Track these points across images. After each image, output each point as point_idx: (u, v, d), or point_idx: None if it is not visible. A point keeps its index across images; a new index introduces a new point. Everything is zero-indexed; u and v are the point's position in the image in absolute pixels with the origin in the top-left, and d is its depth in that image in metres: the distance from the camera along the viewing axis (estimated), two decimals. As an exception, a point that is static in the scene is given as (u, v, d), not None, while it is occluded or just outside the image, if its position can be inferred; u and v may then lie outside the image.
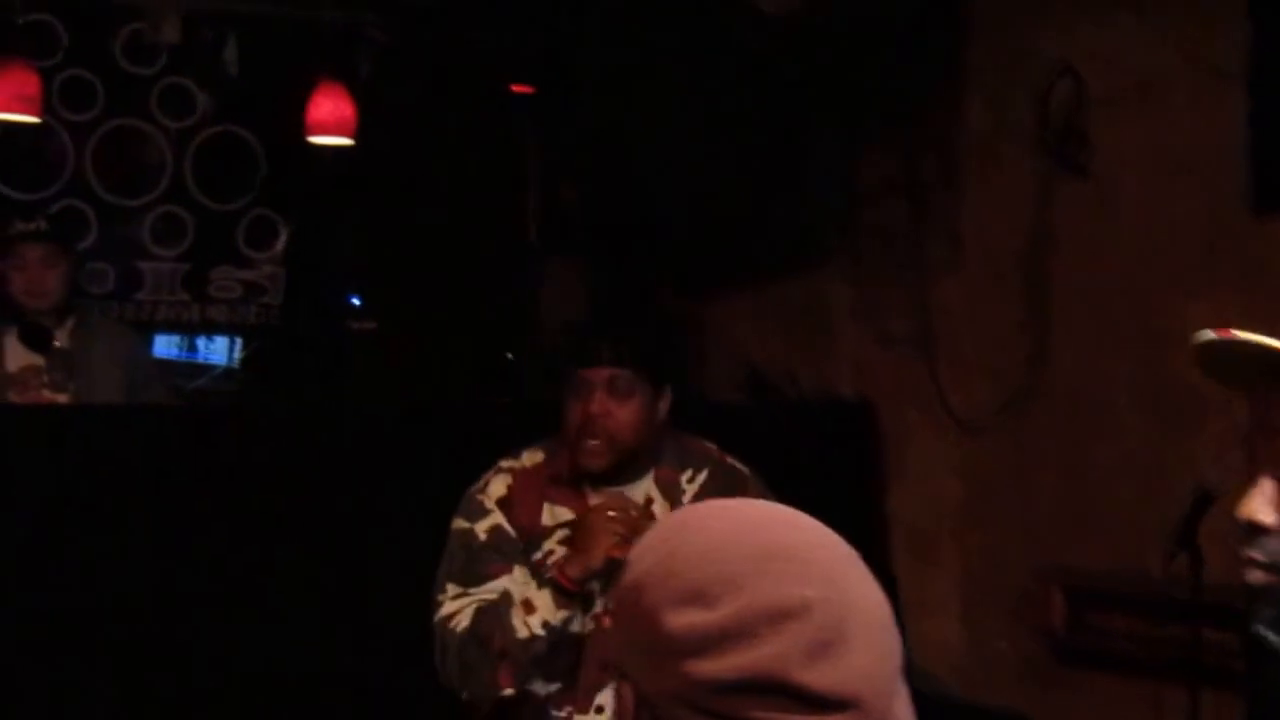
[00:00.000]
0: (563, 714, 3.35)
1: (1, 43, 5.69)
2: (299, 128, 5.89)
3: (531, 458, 3.46)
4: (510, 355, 6.77)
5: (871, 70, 5.19)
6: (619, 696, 1.28)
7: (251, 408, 6.21)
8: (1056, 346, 4.84)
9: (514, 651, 3.26)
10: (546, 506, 3.41)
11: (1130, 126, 4.61)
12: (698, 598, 1.22)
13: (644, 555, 1.29)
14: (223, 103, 6.40)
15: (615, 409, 3.33)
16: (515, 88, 6.46)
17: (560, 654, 3.30)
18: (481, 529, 3.39)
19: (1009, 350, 4.98)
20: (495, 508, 3.40)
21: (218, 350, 6.77)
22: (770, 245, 5.90)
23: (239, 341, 6.74)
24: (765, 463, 3.67)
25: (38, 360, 5.11)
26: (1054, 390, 4.85)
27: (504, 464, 3.46)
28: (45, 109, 5.81)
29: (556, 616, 3.25)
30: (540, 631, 3.25)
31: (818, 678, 1.20)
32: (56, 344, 5.15)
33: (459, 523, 3.43)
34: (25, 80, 5.62)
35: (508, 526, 3.38)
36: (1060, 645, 4.72)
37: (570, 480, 3.41)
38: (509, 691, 3.31)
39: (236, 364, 6.76)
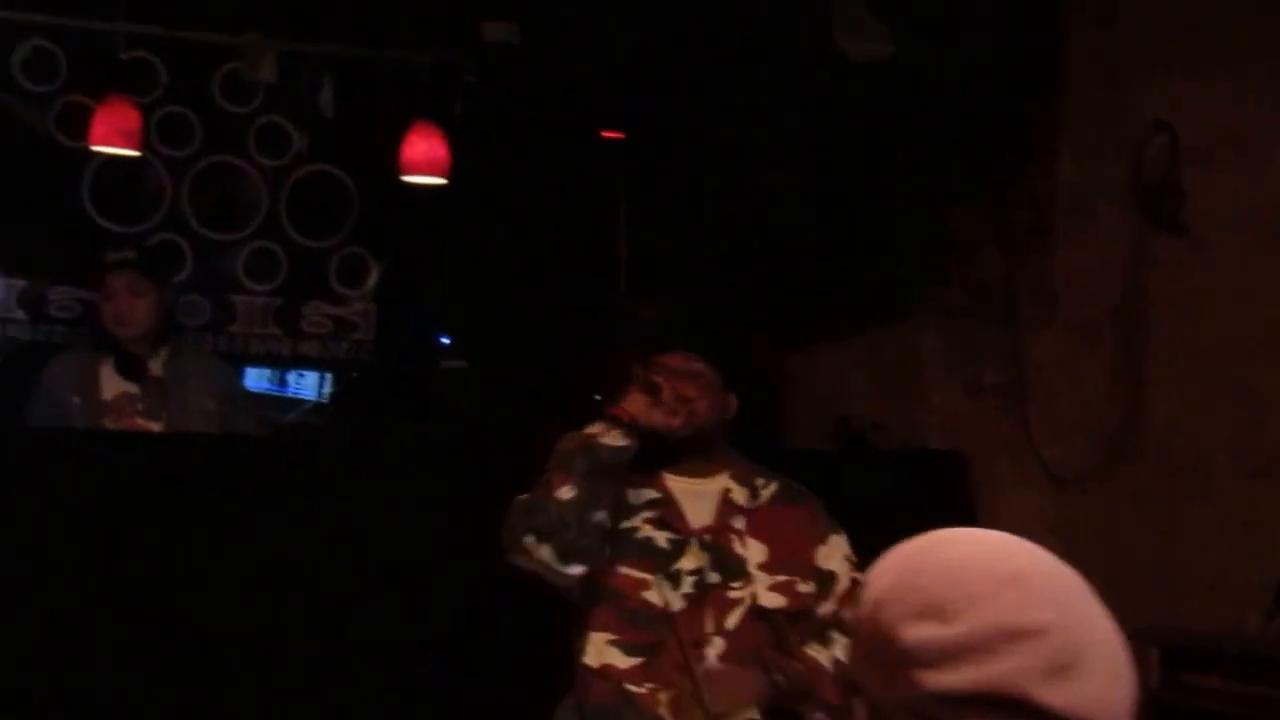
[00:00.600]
0: (642, 690, 3.39)
1: (104, 78, 5.78)
2: (393, 167, 5.92)
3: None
4: (599, 397, 6.74)
5: (965, 121, 5.16)
6: (853, 713, 1.33)
7: (339, 441, 6.23)
8: (1151, 403, 4.79)
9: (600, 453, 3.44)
10: (630, 491, 3.55)
11: (1226, 183, 4.57)
12: (937, 613, 1.28)
13: (883, 575, 1.35)
14: (318, 142, 6.44)
15: (688, 389, 3.56)
16: (606, 134, 6.47)
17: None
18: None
19: (1103, 406, 4.93)
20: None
21: (308, 385, 6.78)
22: (861, 295, 5.86)
23: (329, 376, 6.76)
24: (853, 511, 3.69)
25: (132, 389, 5.16)
26: (1149, 447, 4.79)
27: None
28: (144, 144, 5.87)
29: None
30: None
31: (1054, 696, 1.25)
32: (151, 373, 5.19)
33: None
34: (126, 115, 5.70)
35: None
36: (1155, 704, 4.63)
37: (648, 464, 3.56)
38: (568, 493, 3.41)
39: (326, 399, 6.78)
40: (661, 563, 3.48)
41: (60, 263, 6.10)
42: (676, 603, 3.43)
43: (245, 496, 4.71)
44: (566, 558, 3.44)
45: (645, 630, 3.43)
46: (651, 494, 3.57)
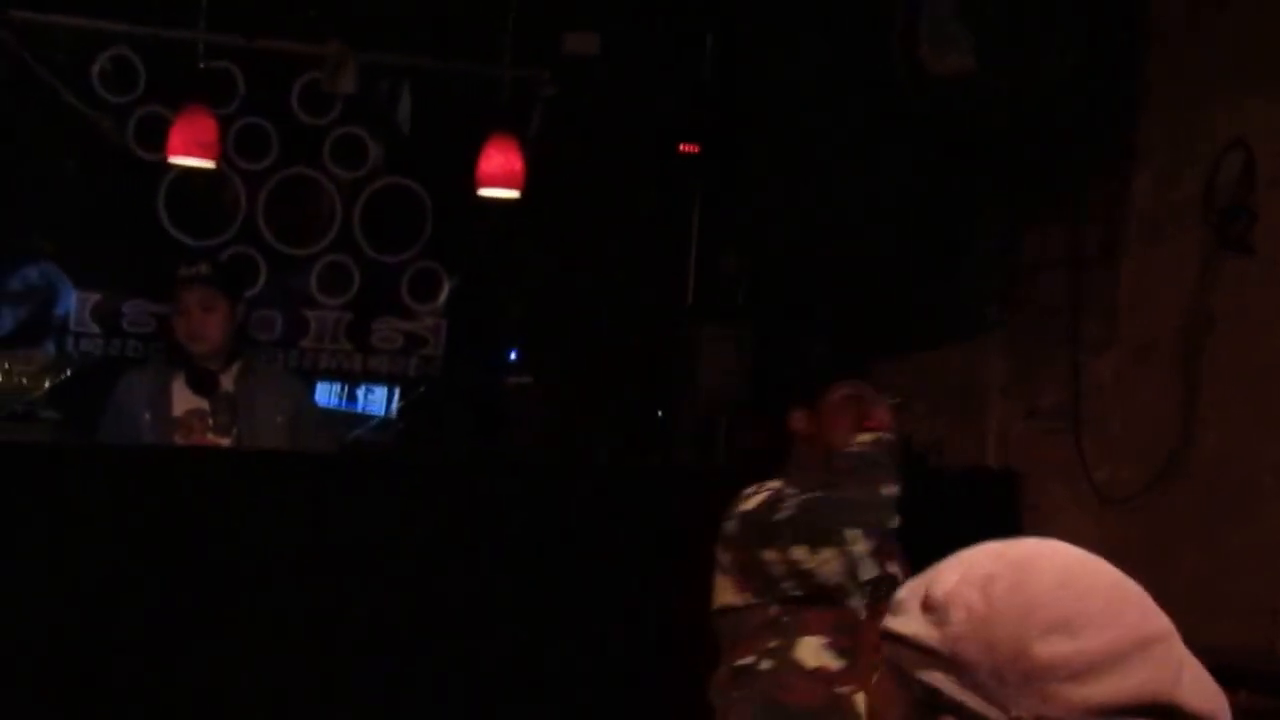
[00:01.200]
0: (846, 689, 3.54)
1: (182, 88, 5.77)
2: (468, 180, 5.89)
3: (780, 480, 3.69)
4: (661, 414, 6.73)
5: (1040, 139, 5.11)
6: None
7: (408, 458, 6.22)
8: (1205, 426, 4.75)
9: None
10: None
11: None
12: (1064, 627, 1.29)
13: (967, 594, 1.33)
14: (394, 154, 6.43)
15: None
16: (683, 147, 6.43)
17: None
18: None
19: (1157, 428, 4.90)
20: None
21: (377, 401, 6.78)
22: (929, 317, 5.83)
23: (397, 392, 6.74)
24: (907, 530, 3.75)
25: (203, 404, 5.16)
26: (1198, 469, 4.76)
27: (771, 485, 3.68)
28: (221, 156, 5.86)
29: None
30: None
31: (1192, 698, 1.30)
32: (222, 388, 5.18)
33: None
34: (204, 126, 5.69)
35: None
36: None
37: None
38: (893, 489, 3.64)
39: (395, 415, 6.77)
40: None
41: (134, 277, 6.12)
42: (863, 610, 3.60)
43: (312, 512, 4.70)
44: (876, 554, 3.60)
45: (847, 634, 3.59)
46: None
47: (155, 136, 5.87)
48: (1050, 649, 1.28)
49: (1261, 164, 4.61)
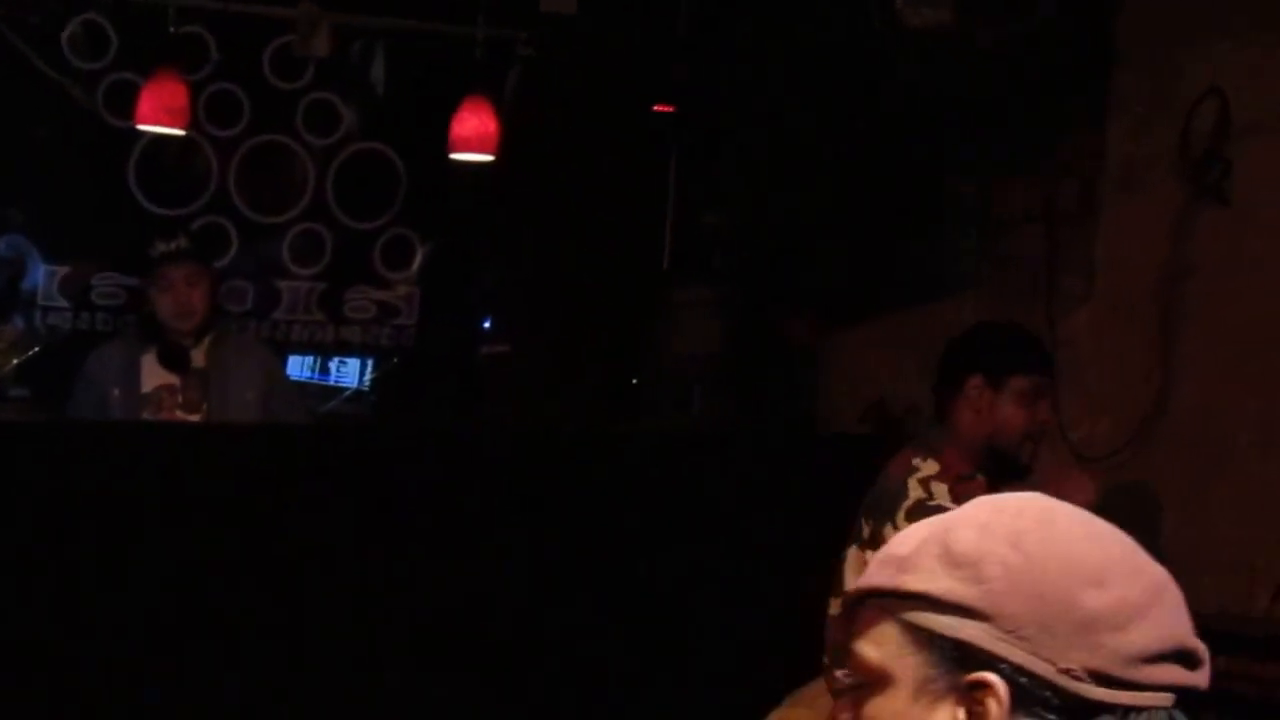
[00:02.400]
0: None
1: (152, 54, 5.68)
2: (442, 145, 5.83)
3: (931, 465, 3.66)
4: (635, 381, 6.70)
5: (1016, 93, 5.08)
6: (990, 700, 1.30)
7: (381, 429, 6.18)
8: (1182, 380, 4.72)
9: None
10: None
11: (1275, 154, 4.44)
12: (1098, 580, 1.31)
13: (999, 550, 1.33)
14: (367, 119, 6.35)
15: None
16: (658, 107, 6.37)
17: None
18: None
19: (1134, 383, 4.88)
20: (952, 505, 3.54)
21: (349, 373, 6.73)
22: (904, 275, 5.80)
23: (370, 364, 6.68)
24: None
25: (173, 380, 5.11)
26: (1176, 425, 4.73)
27: (922, 473, 3.64)
28: (191, 124, 5.78)
29: None
30: None
31: (1194, 638, 1.35)
32: (193, 364, 5.13)
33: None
34: (174, 92, 5.61)
35: None
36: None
37: (970, 476, 3.67)
38: None
39: (368, 386, 6.72)
40: None
41: (104, 248, 6.04)
42: None
43: (286, 487, 4.67)
44: None
45: None
46: None
47: (125, 103, 5.77)
48: (1094, 600, 1.30)
49: (1236, 111, 4.57)
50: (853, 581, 3.68)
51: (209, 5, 5.97)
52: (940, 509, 3.49)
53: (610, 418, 6.46)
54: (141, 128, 5.68)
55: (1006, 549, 1.33)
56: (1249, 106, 4.57)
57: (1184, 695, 1.32)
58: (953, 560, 1.34)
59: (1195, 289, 4.74)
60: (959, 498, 3.56)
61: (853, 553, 3.65)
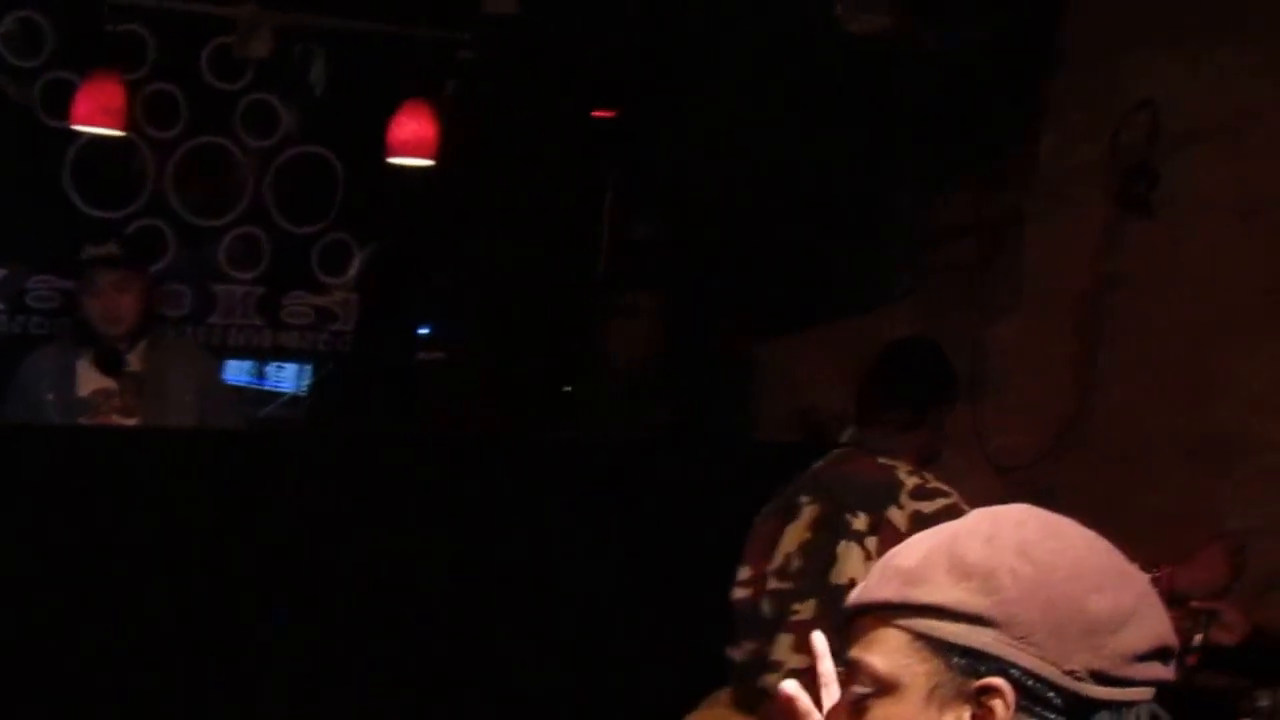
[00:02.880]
0: None
1: (90, 53, 5.63)
2: (381, 148, 5.80)
3: (902, 463, 3.70)
4: (568, 389, 6.70)
5: (954, 102, 5.11)
6: (997, 702, 1.37)
7: (317, 434, 6.15)
8: (1103, 390, 4.75)
9: None
10: None
11: (1204, 165, 4.50)
12: (1098, 585, 1.40)
13: (1010, 561, 1.41)
14: (306, 121, 6.31)
15: None
16: (597, 113, 6.37)
17: None
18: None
19: (1056, 393, 4.90)
20: (950, 488, 3.65)
21: (287, 378, 6.69)
22: (839, 283, 5.82)
23: (308, 369, 6.65)
24: None
25: (109, 384, 5.07)
26: (1095, 434, 4.75)
27: (905, 468, 3.68)
28: (129, 125, 5.73)
29: None
30: None
31: (1172, 637, 1.44)
32: (129, 367, 5.09)
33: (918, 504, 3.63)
34: (111, 92, 5.55)
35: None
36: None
37: None
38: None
39: (305, 392, 6.68)
40: None
41: (39, 250, 5.98)
42: None
43: (222, 491, 4.64)
44: None
45: None
46: None
47: (62, 103, 5.70)
48: (1098, 604, 1.38)
49: (1166, 122, 4.61)
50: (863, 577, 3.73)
51: (147, 3, 5.92)
52: (939, 490, 3.57)
53: (547, 424, 6.46)
54: (78, 128, 5.62)
55: (1015, 559, 1.41)
56: (1179, 117, 4.61)
57: (1161, 689, 1.41)
58: (963, 572, 1.41)
59: (1121, 300, 4.77)
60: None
61: (853, 549, 3.63)
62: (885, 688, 1.42)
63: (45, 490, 4.44)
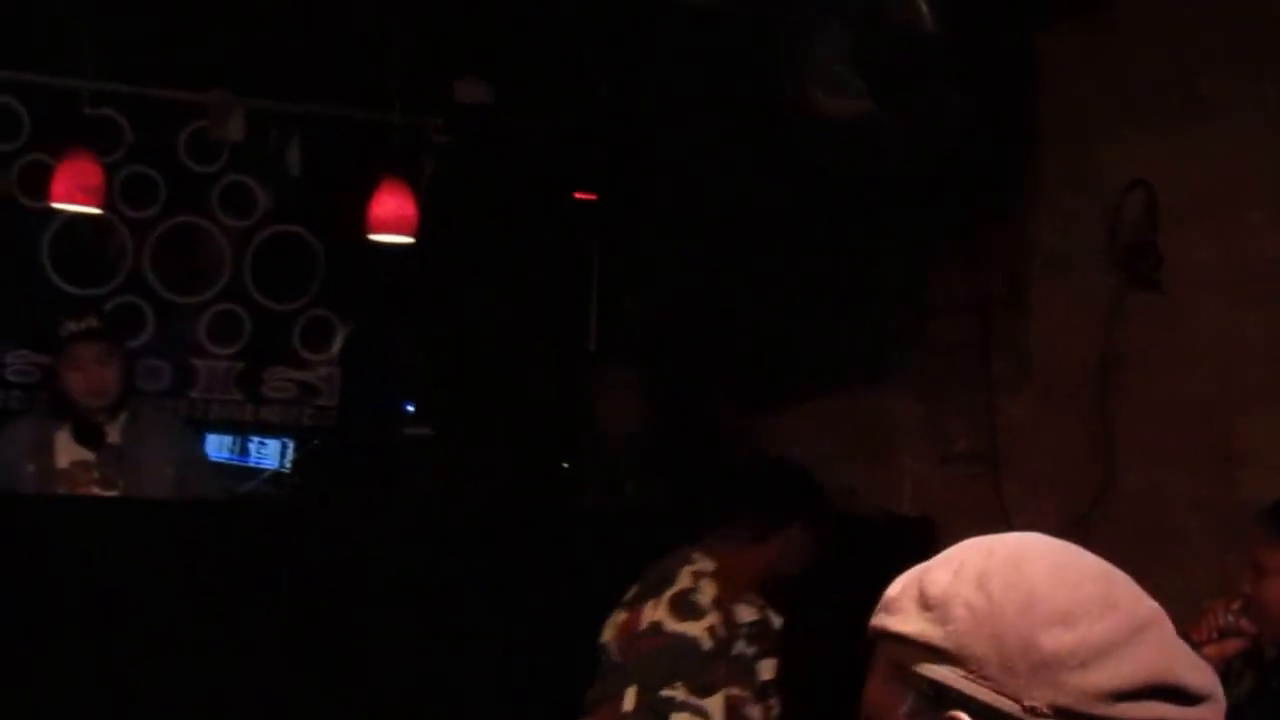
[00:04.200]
0: None
1: (67, 133, 5.67)
2: (360, 226, 5.81)
3: (708, 563, 3.75)
4: (566, 465, 6.66)
5: (939, 182, 5.12)
6: None
7: (299, 509, 6.10)
8: (1124, 466, 4.72)
9: None
10: (738, 607, 3.73)
11: (1204, 241, 4.52)
12: (1064, 618, 1.33)
13: (965, 592, 1.36)
14: (284, 201, 6.36)
15: None
16: (579, 195, 6.40)
17: None
18: (702, 630, 3.65)
19: (1075, 469, 4.87)
20: (712, 608, 3.67)
21: (269, 454, 6.67)
22: (833, 359, 5.81)
23: (290, 445, 6.63)
24: (821, 579, 3.80)
25: (88, 456, 5.05)
26: (1120, 510, 4.72)
27: (696, 566, 3.74)
28: (106, 204, 5.76)
29: None
30: None
31: (1188, 674, 1.34)
32: (108, 440, 5.07)
33: (674, 624, 3.65)
34: (88, 171, 5.58)
35: (722, 628, 3.67)
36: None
37: (761, 591, 3.78)
38: None
39: (287, 468, 6.66)
40: None
41: (17, 326, 5.99)
42: None
43: (203, 562, 4.60)
44: None
45: None
46: (754, 614, 3.82)
47: (39, 184, 5.74)
48: (1055, 640, 1.32)
49: (1163, 201, 4.63)
50: (608, 636, 3.76)
51: (122, 89, 5.97)
52: (697, 605, 3.61)
53: (542, 501, 6.42)
54: (57, 205, 5.65)
55: (972, 590, 1.36)
56: (1172, 193, 4.64)
57: None
58: (925, 602, 1.38)
59: (1131, 375, 4.75)
60: (721, 601, 3.67)
61: (615, 613, 3.79)
62: (876, 715, 1.41)
63: (22, 559, 4.40)
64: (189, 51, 6.06)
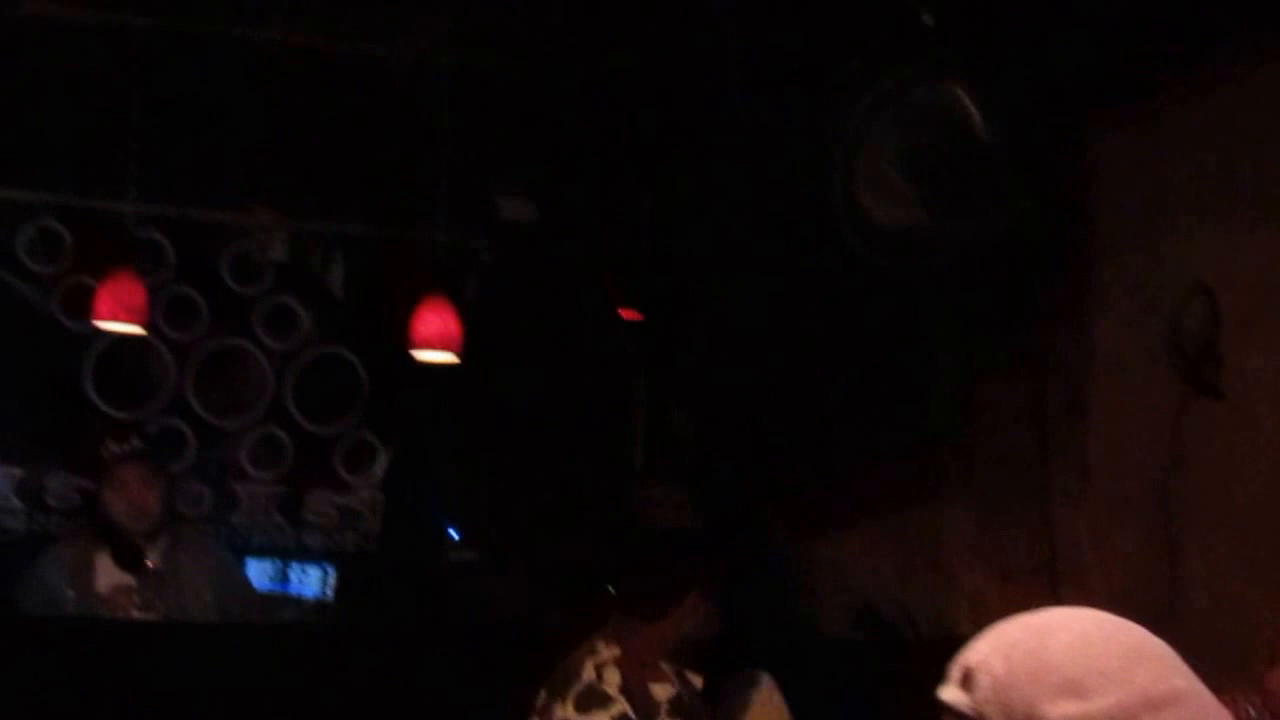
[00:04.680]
0: None
1: (110, 254, 5.63)
2: (403, 346, 5.74)
3: (611, 650, 3.75)
4: (611, 589, 6.52)
5: (993, 288, 5.04)
6: None
7: (339, 633, 5.99)
8: (1192, 578, 4.57)
9: None
10: (652, 686, 3.74)
11: (1268, 346, 4.39)
12: (1075, 690, 1.37)
13: (998, 658, 1.43)
14: (327, 322, 6.31)
15: None
16: (624, 313, 6.35)
17: None
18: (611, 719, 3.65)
19: (1142, 582, 4.72)
20: (620, 696, 3.66)
21: (311, 582, 6.56)
22: (886, 474, 5.70)
23: (332, 572, 6.52)
24: (880, 703, 3.59)
25: (129, 580, 4.99)
26: (1189, 627, 4.55)
27: (601, 657, 3.72)
28: (149, 325, 5.70)
29: None
30: None
31: None
32: (149, 564, 5.00)
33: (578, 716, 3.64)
34: (132, 290, 5.52)
35: (634, 713, 3.66)
36: None
37: (653, 664, 3.77)
38: None
39: (329, 596, 6.54)
40: None
41: (58, 450, 5.95)
42: None
43: (244, 687, 4.49)
44: None
45: None
46: (671, 690, 3.81)
47: (81, 305, 5.71)
48: (1059, 710, 1.37)
49: (1225, 306, 4.53)
50: None
51: (166, 212, 5.95)
52: (604, 695, 3.58)
53: (590, 623, 6.29)
54: (99, 324, 5.59)
55: (998, 660, 1.43)
56: (1237, 298, 4.55)
57: None
58: (964, 670, 1.46)
59: (1196, 484, 4.62)
60: (629, 687, 3.67)
61: None
62: None
63: (63, 682, 4.30)
64: (232, 172, 6.05)
